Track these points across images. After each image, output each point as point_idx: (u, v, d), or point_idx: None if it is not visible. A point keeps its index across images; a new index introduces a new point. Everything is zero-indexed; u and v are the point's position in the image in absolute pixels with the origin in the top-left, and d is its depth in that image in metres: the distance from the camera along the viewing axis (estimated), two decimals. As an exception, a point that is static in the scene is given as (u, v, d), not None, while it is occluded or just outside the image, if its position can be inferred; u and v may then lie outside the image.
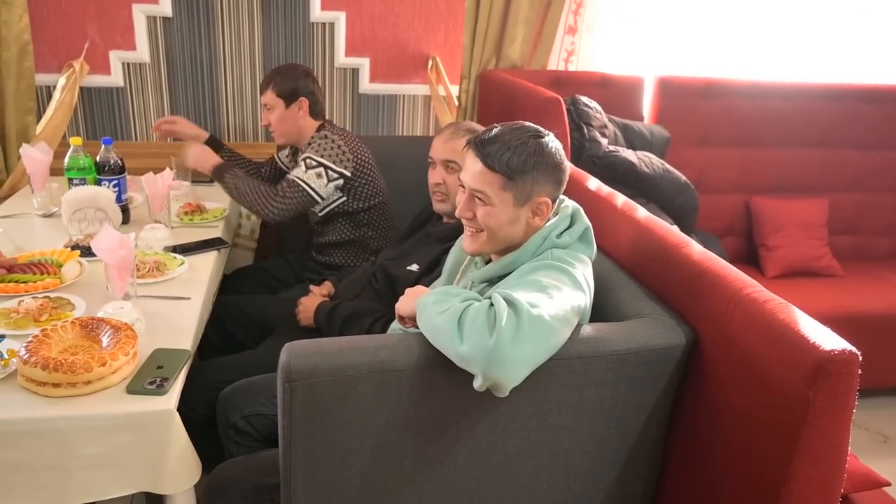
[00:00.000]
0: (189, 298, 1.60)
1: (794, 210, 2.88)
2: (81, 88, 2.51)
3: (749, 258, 2.92)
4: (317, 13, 2.60)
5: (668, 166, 2.55)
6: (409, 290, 1.28)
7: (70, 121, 2.49)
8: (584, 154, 2.41)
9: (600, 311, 1.33)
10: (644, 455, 1.31)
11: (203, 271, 1.76)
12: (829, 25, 3.02)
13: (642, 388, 1.23)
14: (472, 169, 1.24)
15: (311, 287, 2.01)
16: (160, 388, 1.25)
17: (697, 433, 1.24)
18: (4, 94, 2.25)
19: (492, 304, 1.07)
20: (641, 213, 1.51)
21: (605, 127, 2.52)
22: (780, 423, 1.01)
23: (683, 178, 2.56)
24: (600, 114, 2.52)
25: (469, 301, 1.12)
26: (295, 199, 2.04)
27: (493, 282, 1.29)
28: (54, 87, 2.42)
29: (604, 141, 2.45)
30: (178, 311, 1.55)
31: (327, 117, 2.28)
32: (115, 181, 2.01)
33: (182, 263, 1.75)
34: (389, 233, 2.27)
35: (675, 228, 2.38)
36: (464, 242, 1.32)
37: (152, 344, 1.38)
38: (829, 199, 2.95)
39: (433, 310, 1.13)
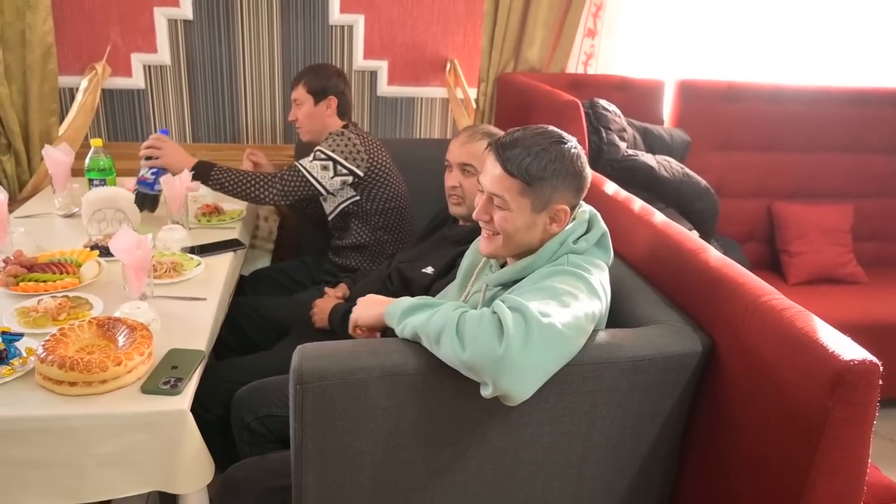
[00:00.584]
0: (205, 299, 1.61)
1: (817, 215, 2.83)
2: (103, 90, 2.55)
3: (771, 264, 2.87)
4: (336, 16, 2.61)
5: (687, 171, 2.52)
6: (365, 298, 1.30)
7: (92, 122, 2.53)
8: (603, 158, 2.39)
9: (616, 316, 1.31)
10: (658, 464, 1.29)
11: (219, 272, 1.77)
12: (853, 28, 2.97)
13: (657, 396, 1.21)
14: (492, 172, 1.23)
15: (326, 289, 2.01)
16: (174, 388, 1.26)
17: (713, 442, 1.22)
18: (28, 96, 2.28)
19: (494, 312, 1.07)
20: (659, 217, 1.49)
21: (624, 130, 2.49)
22: (798, 433, 0.99)
23: (703, 182, 2.53)
24: (619, 117, 2.50)
25: (461, 308, 1.12)
26: (292, 183, 2.03)
27: (507, 286, 1.28)
28: (77, 89, 2.46)
29: (622, 145, 2.43)
30: (193, 311, 1.56)
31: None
32: (155, 170, 2.00)
33: (199, 264, 1.76)
34: (406, 237, 2.26)
35: (694, 234, 2.38)
36: (480, 245, 1.31)
37: (168, 344, 1.39)
38: (854, 204, 2.89)
39: (415, 315, 1.14)
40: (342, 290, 2.04)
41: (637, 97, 2.73)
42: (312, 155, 2.07)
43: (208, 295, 1.63)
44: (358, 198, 2.16)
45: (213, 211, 2.11)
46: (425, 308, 1.16)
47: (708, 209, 2.54)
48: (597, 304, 1.16)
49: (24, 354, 1.29)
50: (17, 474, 1.21)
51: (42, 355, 1.23)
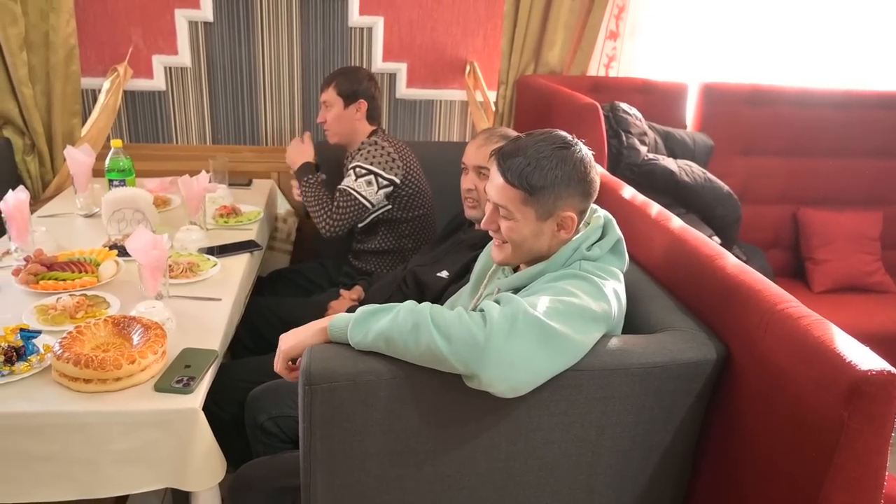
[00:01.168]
0: (220, 300, 1.62)
1: (844, 222, 2.76)
2: (125, 92, 2.59)
3: (795, 272, 2.82)
4: (355, 18, 2.62)
5: (709, 175, 2.48)
6: (288, 333, 1.21)
7: (113, 123, 2.57)
8: (623, 162, 2.36)
9: (630, 322, 1.29)
10: (670, 472, 1.26)
11: (235, 273, 1.78)
12: (883, 31, 2.90)
13: (669, 404, 1.19)
14: (495, 182, 1.22)
15: (341, 291, 2.02)
16: (187, 387, 1.27)
17: (727, 452, 1.20)
18: (52, 97, 2.33)
19: (481, 310, 1.06)
20: (676, 222, 1.46)
21: (645, 134, 2.47)
22: (813, 444, 0.97)
23: (726, 187, 2.49)
24: (640, 121, 2.47)
25: (434, 307, 1.09)
26: (349, 211, 2.06)
27: (518, 290, 1.27)
28: (99, 91, 2.50)
29: (643, 149, 2.40)
30: (208, 311, 1.57)
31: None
32: None
33: (215, 265, 1.77)
34: (428, 244, 2.27)
35: (716, 240, 2.34)
36: (492, 253, 1.31)
37: (182, 343, 1.40)
38: (883, 211, 2.82)
39: (376, 319, 1.09)
40: (357, 292, 2.04)
41: (659, 100, 2.69)
42: (353, 173, 2.08)
43: (223, 295, 1.64)
44: (390, 206, 2.16)
45: (231, 212, 2.13)
46: (382, 312, 1.11)
47: (730, 215, 2.50)
48: (604, 307, 1.14)
49: (42, 351, 1.31)
50: (33, 468, 1.23)
51: (58, 352, 1.25)
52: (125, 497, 1.86)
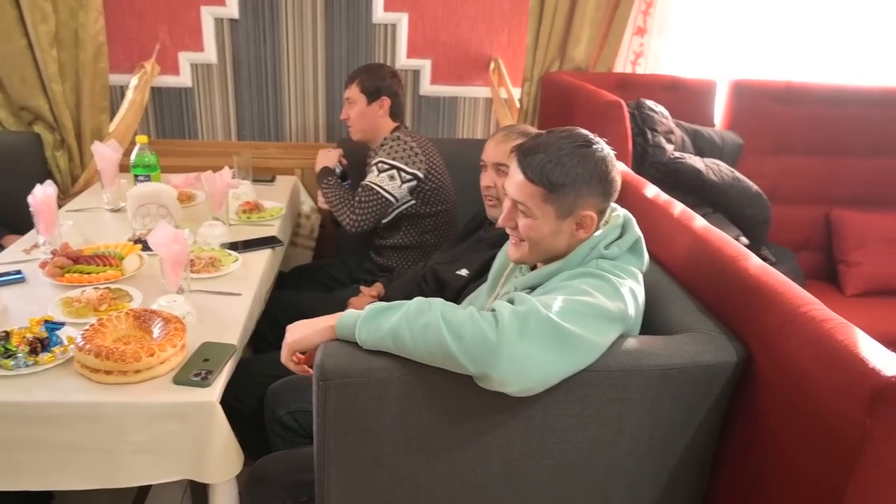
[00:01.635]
0: (240, 294, 1.63)
1: (879, 224, 2.68)
2: (152, 88, 2.62)
3: (827, 274, 2.74)
4: (379, 14, 2.62)
5: (738, 175, 2.43)
6: (297, 323, 1.21)
7: (141, 119, 2.61)
8: (648, 160, 2.33)
9: (649, 323, 1.27)
10: (688, 476, 1.24)
11: (256, 268, 1.79)
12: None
13: (687, 406, 1.17)
14: (514, 179, 1.21)
15: (361, 288, 2.03)
16: (204, 380, 1.28)
17: (746, 456, 1.17)
18: (81, 94, 2.37)
19: (493, 309, 1.05)
20: (699, 222, 1.43)
21: (672, 132, 2.42)
22: (834, 450, 0.94)
23: (755, 187, 2.44)
24: (666, 118, 2.43)
25: (446, 304, 1.08)
26: (372, 206, 2.07)
27: (535, 289, 1.26)
28: (127, 87, 2.54)
29: (669, 147, 2.36)
30: (228, 306, 1.58)
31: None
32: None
33: (236, 260, 1.79)
34: (450, 240, 2.26)
35: (743, 240, 2.29)
36: (508, 250, 1.30)
37: (201, 337, 1.42)
38: (920, 212, 2.74)
39: (385, 317, 1.08)
40: (377, 289, 2.04)
41: (688, 98, 2.65)
42: (375, 168, 2.09)
43: (244, 290, 1.66)
44: (414, 202, 2.16)
45: (254, 208, 2.15)
46: (391, 310, 1.09)
47: (758, 215, 2.45)
48: (620, 306, 1.12)
49: (65, 343, 1.34)
50: (56, 457, 1.25)
51: (80, 344, 1.28)
52: (147, 487, 1.89)
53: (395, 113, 2.22)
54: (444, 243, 2.23)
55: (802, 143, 2.71)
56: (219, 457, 1.29)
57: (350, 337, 1.13)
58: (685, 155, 2.39)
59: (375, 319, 1.10)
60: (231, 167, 2.06)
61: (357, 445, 1.15)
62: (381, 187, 2.06)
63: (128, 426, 1.24)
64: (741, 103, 2.67)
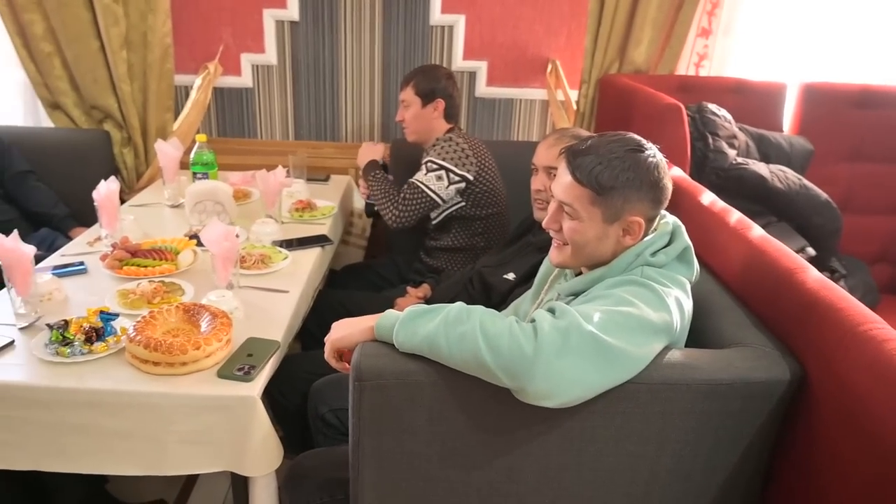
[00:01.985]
0: (287, 292, 1.66)
1: (962, 237, 2.51)
2: (214, 88, 2.70)
3: (905, 288, 2.59)
4: (436, 16, 2.62)
5: (805, 182, 2.31)
6: (340, 322, 1.21)
7: (203, 118, 2.69)
8: (708, 166, 2.24)
9: (699, 336, 1.22)
10: (736, 496, 1.18)
11: (305, 266, 1.82)
12: None
13: (735, 424, 1.11)
14: (562, 180, 1.18)
15: (408, 288, 2.03)
16: (247, 374, 1.31)
17: (799, 478, 1.10)
18: (147, 94, 2.47)
19: (533, 319, 1.02)
20: (756, 232, 1.37)
21: (735, 137, 2.33)
22: (891, 479, 0.87)
23: (824, 195, 2.31)
24: (729, 123, 2.34)
25: (486, 312, 1.06)
26: (415, 203, 2.07)
27: (579, 295, 1.22)
28: (191, 87, 2.63)
29: (731, 152, 2.27)
30: (275, 303, 1.61)
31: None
32: None
33: (286, 258, 1.82)
34: (500, 243, 2.24)
35: (811, 251, 2.18)
36: (550, 254, 1.27)
37: (247, 332, 1.44)
38: None
39: (424, 321, 1.07)
40: (424, 290, 2.04)
41: (754, 101, 2.54)
42: (424, 167, 2.09)
43: (291, 288, 1.68)
44: (464, 203, 2.16)
45: (307, 207, 2.18)
46: (430, 314, 1.09)
47: (828, 225, 2.32)
48: (664, 317, 1.08)
49: (118, 333, 1.39)
50: (105, 443, 1.30)
51: (132, 335, 1.32)
52: (195, 478, 1.95)
53: (450, 115, 2.21)
54: (493, 246, 2.21)
55: (879, 149, 2.55)
56: (258, 451, 1.31)
57: (388, 338, 1.12)
58: (749, 161, 2.29)
59: (413, 323, 1.09)
60: (286, 166, 2.10)
61: (391, 447, 1.15)
62: (426, 186, 2.06)
63: (173, 416, 1.28)
64: (812, 107, 2.54)
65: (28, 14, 2.29)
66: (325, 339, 1.23)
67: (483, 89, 2.74)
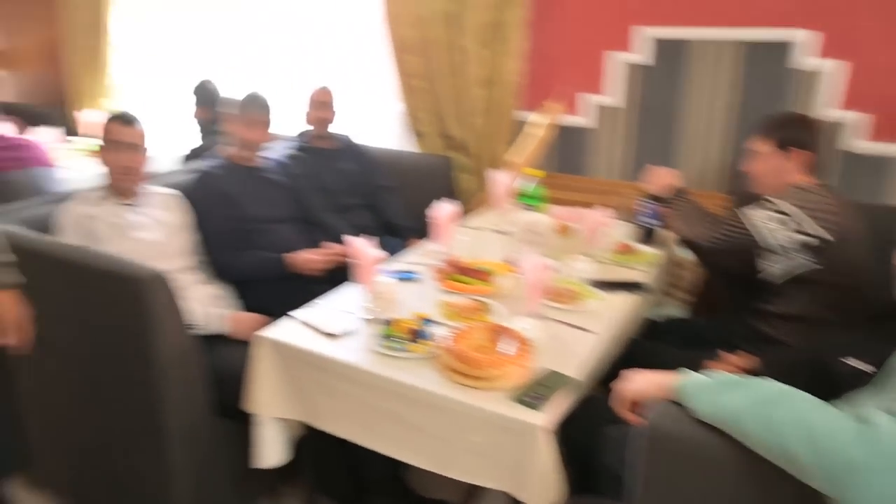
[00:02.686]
0: (592, 332, 1.64)
1: None
2: (555, 126, 2.81)
3: None
4: (809, 61, 2.34)
5: None
6: (636, 372, 1.18)
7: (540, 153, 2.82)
8: None
9: None
10: None
11: (615, 310, 1.78)
12: None
13: None
14: None
15: (722, 353, 1.82)
16: (535, 402, 1.33)
17: None
18: (492, 127, 2.72)
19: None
20: None
21: None
22: None
23: None
24: None
25: (809, 400, 0.89)
26: (732, 232, 1.89)
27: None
28: (532, 123, 2.77)
29: None
30: (579, 340, 1.60)
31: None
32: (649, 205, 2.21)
33: (596, 297, 1.79)
34: (853, 320, 1.89)
35: None
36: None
37: (546, 363, 1.47)
38: None
39: (731, 393, 0.97)
40: (744, 359, 1.81)
41: None
42: (764, 206, 1.90)
43: (597, 328, 1.66)
44: (820, 267, 1.88)
45: (627, 250, 2.13)
46: (743, 388, 0.98)
47: None
48: None
49: (431, 338, 1.53)
50: (403, 432, 1.45)
51: (447, 344, 1.45)
52: (476, 492, 2.02)
53: (810, 169, 1.95)
54: (846, 323, 1.87)
55: None
56: (537, 481, 1.31)
57: (689, 402, 1.05)
58: None
59: (720, 394, 1.00)
60: (611, 206, 2.08)
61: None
62: (758, 219, 1.84)
63: (466, 425, 1.36)
64: None
65: (408, 55, 2.66)
66: (617, 386, 1.17)
67: (862, 144, 2.35)
